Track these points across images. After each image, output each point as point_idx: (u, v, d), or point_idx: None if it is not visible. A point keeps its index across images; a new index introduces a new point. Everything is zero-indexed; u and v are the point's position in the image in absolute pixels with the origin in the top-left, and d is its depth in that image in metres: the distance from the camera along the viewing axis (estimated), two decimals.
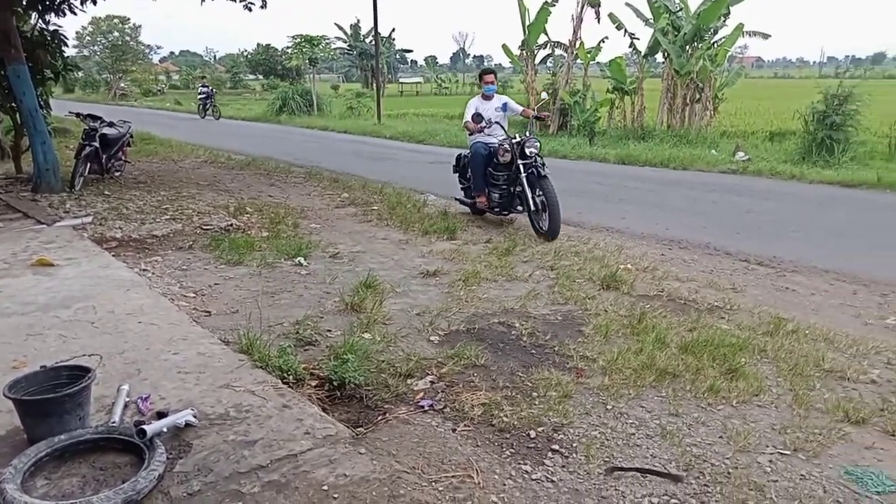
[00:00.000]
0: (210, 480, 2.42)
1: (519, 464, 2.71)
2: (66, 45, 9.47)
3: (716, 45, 16.26)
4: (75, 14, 9.41)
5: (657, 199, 9.07)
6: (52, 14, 9.21)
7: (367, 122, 23.90)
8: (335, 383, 3.29)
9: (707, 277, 5.49)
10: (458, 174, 8.07)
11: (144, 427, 2.52)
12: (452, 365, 3.61)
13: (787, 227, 7.35)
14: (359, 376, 3.31)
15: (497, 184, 7.22)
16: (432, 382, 3.43)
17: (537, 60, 19.25)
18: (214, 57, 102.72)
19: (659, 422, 3.06)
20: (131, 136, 10.23)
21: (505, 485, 2.56)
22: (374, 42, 29.96)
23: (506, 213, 7.35)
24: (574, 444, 2.86)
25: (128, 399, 2.96)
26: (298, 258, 5.70)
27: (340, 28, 56.55)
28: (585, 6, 17.19)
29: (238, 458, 2.56)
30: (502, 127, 7.28)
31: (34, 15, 9.11)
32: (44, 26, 9.34)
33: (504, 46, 19.45)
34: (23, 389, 2.67)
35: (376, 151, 15.69)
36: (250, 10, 10.11)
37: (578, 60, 18.14)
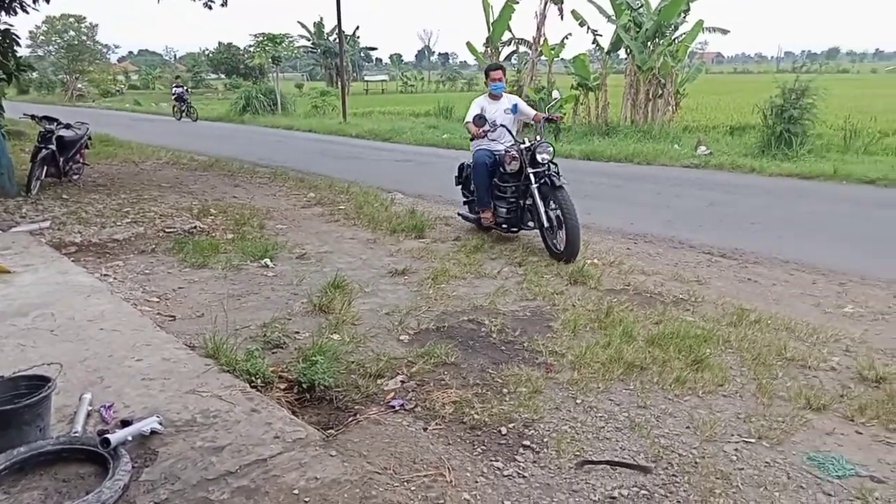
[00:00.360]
0: (177, 488, 2.38)
1: (490, 461, 2.72)
2: (18, 44, 9.18)
3: (676, 42, 16.51)
4: (27, 12, 9.16)
5: (622, 194, 9.18)
6: (3, 12, 8.93)
7: (333, 120, 23.71)
8: (304, 386, 3.26)
9: (672, 270, 5.58)
10: (461, 186, 7.06)
11: (108, 436, 2.46)
12: (423, 364, 3.60)
13: (748, 220, 7.50)
14: (328, 378, 3.29)
15: (504, 196, 6.19)
16: (403, 382, 3.42)
17: (502, 57, 19.32)
18: (174, 56, 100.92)
19: (627, 414, 3.10)
20: (89, 138, 9.98)
21: (477, 482, 2.56)
22: (337, 40, 29.72)
23: (515, 230, 6.34)
24: (545, 439, 2.88)
25: (90, 408, 2.88)
26: (265, 260, 5.63)
27: (304, 26, 56.00)
28: (548, 3, 17.28)
29: (206, 464, 2.51)
30: (510, 131, 6.27)
31: None
32: None
33: (469, 44, 19.50)
34: None
35: (342, 150, 15.59)
36: (210, 7, 9.96)
37: (543, 57, 18.25)
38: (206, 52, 63.55)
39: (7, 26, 9.01)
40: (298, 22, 58.07)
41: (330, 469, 2.50)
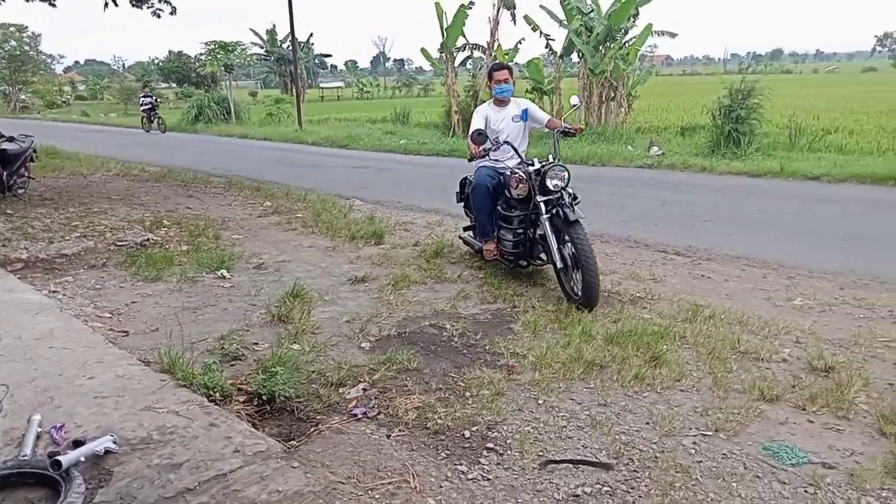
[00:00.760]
0: None
1: (455, 465, 2.72)
2: None
3: (627, 45, 16.85)
4: None
5: (579, 196, 9.28)
6: None
7: (288, 128, 23.48)
8: (264, 397, 3.20)
9: (628, 269, 5.67)
10: (463, 204, 6.09)
11: (59, 458, 2.38)
12: (385, 371, 3.58)
13: (701, 218, 7.69)
14: (289, 389, 3.24)
15: (510, 226, 5.13)
16: (365, 390, 3.39)
17: (457, 63, 19.42)
18: (123, 65, 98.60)
19: (589, 413, 3.14)
20: (34, 151, 9.68)
21: (441, 486, 2.56)
22: (291, 47, 29.45)
23: (525, 264, 5.31)
24: (508, 441, 2.89)
25: (40, 429, 2.78)
26: (221, 271, 5.53)
27: (256, 34, 55.38)
28: (501, 8, 17.47)
29: (164, 482, 2.45)
30: (515, 149, 5.18)
31: None
32: None
33: (423, 50, 19.57)
34: None
35: (299, 158, 15.44)
36: (159, 16, 9.78)
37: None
38: (156, 61, 62.24)
39: None
40: (251, 29, 57.45)
41: (292, 481, 2.46)
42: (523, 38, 21.72)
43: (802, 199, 8.57)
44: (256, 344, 3.99)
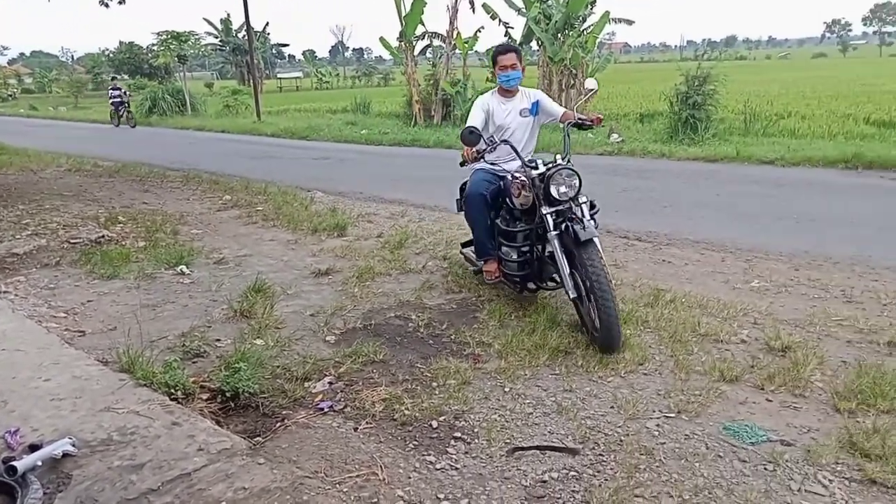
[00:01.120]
0: None
1: (423, 455, 2.72)
2: None
3: (585, 33, 16.95)
4: None
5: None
6: None
7: (247, 120, 23.07)
8: (228, 394, 3.15)
9: None
10: (464, 214, 4.78)
11: (14, 463, 2.31)
12: (350, 363, 3.56)
13: (660, 203, 7.80)
14: (253, 384, 3.20)
15: (513, 243, 4.20)
16: (331, 383, 3.36)
17: (416, 52, 19.31)
18: (72, 57, 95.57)
19: (555, 399, 3.17)
20: None
21: (410, 477, 2.56)
22: (247, 37, 28.90)
23: (533, 287, 4.36)
24: (475, 430, 2.90)
25: None
26: (180, 267, 5.42)
27: (210, 23, 54.22)
28: None
29: (125, 484, 2.39)
30: (515, 150, 4.18)
31: None
32: None
33: (381, 39, 19.38)
34: None
35: (258, 150, 15.18)
36: (107, 6, 9.47)
37: (457, 51, 18.37)
38: (107, 53, 60.50)
39: None
40: (204, 19, 56.21)
41: (258, 478, 2.43)
42: (482, 27, 21.66)
43: (758, 183, 8.77)
44: (219, 340, 3.93)
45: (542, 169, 3.93)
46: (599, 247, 3.67)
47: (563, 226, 3.80)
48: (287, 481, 2.42)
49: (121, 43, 55.74)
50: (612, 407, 3.08)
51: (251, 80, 27.12)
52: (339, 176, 10.89)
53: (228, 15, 54.51)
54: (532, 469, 2.61)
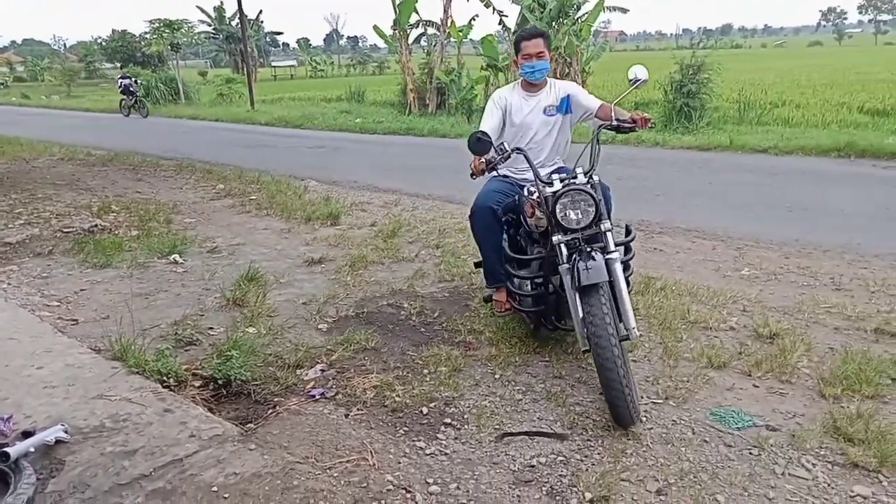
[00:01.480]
0: (88, 497, 2.28)
1: (413, 441, 2.75)
2: None
3: (580, 21, 16.91)
4: None
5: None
6: None
7: (241, 108, 22.99)
8: (220, 382, 3.18)
9: None
10: (470, 228, 4.00)
11: (7, 449, 2.33)
12: (342, 351, 3.59)
13: (653, 192, 7.83)
14: (245, 372, 3.22)
15: (526, 272, 3.50)
16: (322, 370, 3.39)
17: (411, 40, 19.24)
18: (64, 45, 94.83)
19: (544, 385, 3.20)
20: None
21: (400, 463, 2.59)
22: (240, 25, 28.72)
23: (550, 327, 3.54)
24: (465, 416, 2.93)
25: None
26: (173, 255, 5.42)
27: (203, 11, 53.67)
28: None
29: (118, 469, 2.42)
30: (525, 156, 3.29)
31: None
32: None
33: (375, 27, 19.30)
34: None
35: (252, 139, 15.14)
36: None
37: (451, 39, 18.31)
38: (99, 41, 60.02)
39: None
40: (197, 7, 55.42)
41: (249, 463, 2.46)
42: (477, 15, 21.58)
43: (751, 172, 8.80)
44: (211, 329, 3.94)
45: (556, 186, 3.09)
46: (622, 292, 2.90)
47: (578, 260, 2.91)
48: (278, 466, 2.45)
49: (113, 31, 55.35)
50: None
51: (245, 69, 26.97)
52: (333, 165, 10.88)
53: (222, 2, 54.00)
54: (521, 454, 2.64)
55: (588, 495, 2.37)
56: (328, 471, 2.49)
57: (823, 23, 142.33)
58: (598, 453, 2.64)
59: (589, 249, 2.94)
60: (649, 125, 3.42)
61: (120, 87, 23.49)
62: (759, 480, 2.47)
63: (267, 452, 2.57)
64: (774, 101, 15.75)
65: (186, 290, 4.69)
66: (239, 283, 4.59)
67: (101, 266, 5.20)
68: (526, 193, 3.50)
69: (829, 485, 2.44)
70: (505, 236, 3.72)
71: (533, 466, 2.56)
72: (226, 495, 2.29)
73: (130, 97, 22.94)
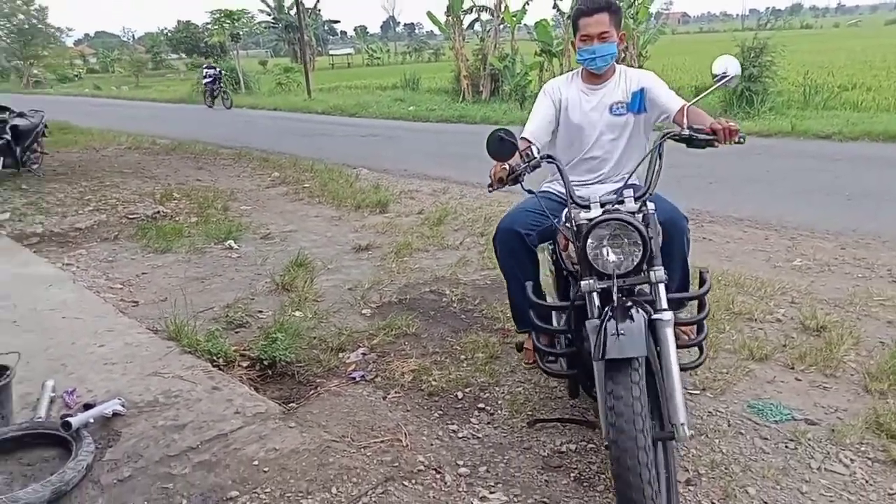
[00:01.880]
0: (140, 466, 2.46)
1: (447, 424, 2.83)
2: None
3: (636, 3, 16.52)
4: None
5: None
6: None
7: (298, 97, 23.43)
8: (266, 363, 3.33)
9: None
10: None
11: (70, 419, 2.53)
12: (384, 336, 3.69)
13: (706, 180, 7.65)
14: (289, 354, 3.36)
15: (547, 325, 2.67)
16: (364, 354, 3.50)
17: (464, 26, 19.21)
18: (133, 37, 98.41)
19: None
20: (45, 126, 9.79)
21: (432, 444, 2.67)
22: (297, 14, 29.22)
23: (591, 395, 2.60)
24: (499, 402, 2.99)
25: (53, 394, 2.93)
26: (229, 241, 5.65)
27: (263, 1, 54.87)
28: None
29: (168, 441, 2.59)
30: (558, 166, 2.56)
31: None
32: None
33: (429, 13, 19.34)
34: None
35: (308, 128, 15.46)
36: None
37: (505, 24, 18.18)
38: (165, 32, 62.08)
39: None
40: None
41: (289, 440, 2.59)
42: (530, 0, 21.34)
43: (812, 158, 8.50)
44: (261, 312, 4.12)
45: (592, 213, 2.30)
46: (671, 372, 2.10)
47: (604, 316, 2.09)
48: (315, 444, 2.57)
49: (178, 22, 57.16)
50: None
51: (302, 58, 27.44)
52: (385, 153, 11.02)
53: None
54: (551, 440, 2.69)
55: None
56: (362, 449, 2.60)
57: None
58: None
59: (628, 304, 2.13)
60: (736, 139, 2.52)
61: (205, 77, 23.40)
62: (793, 474, 2.45)
63: (306, 430, 2.69)
64: (843, 85, 15.03)
65: (239, 274, 4.89)
66: (289, 269, 4.75)
67: (161, 251, 5.47)
68: (563, 218, 2.57)
69: (867, 481, 2.40)
70: (547, 270, 2.93)
71: (562, 452, 2.61)
72: (265, 469, 2.43)
73: (215, 86, 22.61)
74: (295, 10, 32.09)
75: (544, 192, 3.04)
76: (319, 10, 60.83)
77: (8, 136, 8.56)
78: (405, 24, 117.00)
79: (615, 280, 2.19)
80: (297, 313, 4.02)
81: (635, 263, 2.21)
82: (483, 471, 2.51)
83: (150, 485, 2.36)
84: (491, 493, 2.38)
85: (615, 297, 2.15)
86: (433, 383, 3.15)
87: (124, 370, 3.20)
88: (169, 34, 58.89)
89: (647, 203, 2.37)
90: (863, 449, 2.58)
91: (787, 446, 2.61)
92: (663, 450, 2.13)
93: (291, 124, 16.38)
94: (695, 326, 2.74)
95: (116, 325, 3.80)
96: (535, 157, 2.49)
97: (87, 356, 3.38)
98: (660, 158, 2.53)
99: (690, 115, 2.61)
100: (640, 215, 2.31)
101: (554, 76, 17.38)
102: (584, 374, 2.50)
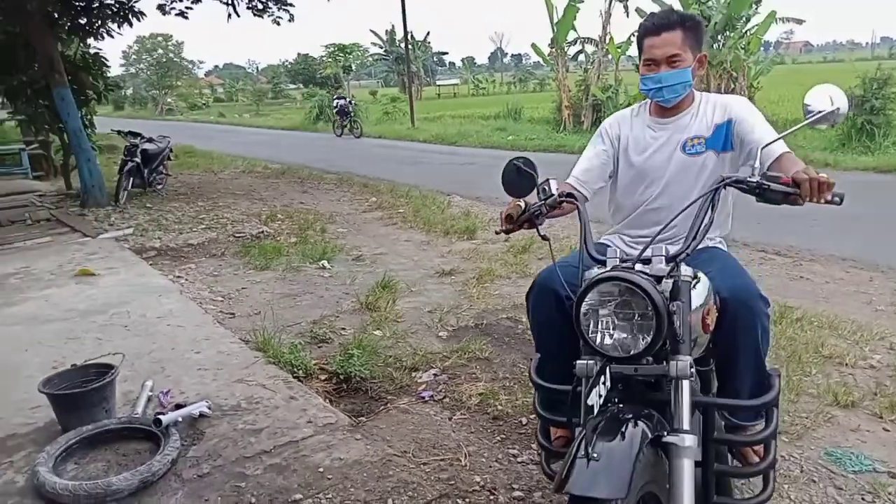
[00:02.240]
0: (218, 464, 2.67)
1: (507, 448, 2.88)
2: (107, 66, 10.02)
3: (748, 34, 16.01)
4: (112, 37, 9.97)
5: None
6: (92, 38, 9.75)
7: (402, 126, 24.23)
8: (342, 377, 3.51)
9: None
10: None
11: (161, 417, 2.79)
12: (456, 358, 3.79)
13: (810, 216, 7.26)
14: (365, 370, 3.53)
15: (555, 416, 2.10)
16: (435, 375, 3.61)
17: (569, 57, 19.28)
18: (257, 68, 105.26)
19: None
20: (171, 150, 10.72)
21: (490, 466, 2.73)
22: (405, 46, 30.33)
23: None
24: None
25: (151, 393, 3.24)
26: (322, 261, 5.96)
27: (376, 34, 57.33)
28: (613, 1, 17.14)
29: (245, 444, 2.80)
30: (579, 208, 2.05)
31: (76, 40, 9.67)
32: (85, 50, 9.90)
33: (534, 45, 19.55)
34: (56, 385, 2.97)
35: (408, 155, 15.97)
36: (278, 24, 10.51)
37: (609, 55, 18.09)
38: (285, 64, 66.04)
39: (97, 50, 9.84)
40: (371, 30, 59.54)
41: (354, 451, 2.73)
42: (636, 31, 21.13)
43: None
44: (344, 329, 4.33)
45: (594, 272, 1.78)
46: None
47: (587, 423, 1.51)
48: (378, 457, 2.70)
49: (298, 54, 60.67)
50: None
51: (408, 88, 28.38)
52: (479, 181, 11.19)
53: (393, 26, 57.19)
54: None
55: None
56: (422, 466, 2.69)
57: None
58: None
59: (624, 411, 1.60)
60: (828, 198, 1.80)
61: (336, 108, 23.43)
62: None
63: (371, 443, 2.83)
64: None
65: (329, 293, 5.15)
66: (374, 290, 4.96)
67: (261, 268, 5.85)
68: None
69: None
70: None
71: None
72: (329, 476, 2.57)
73: (345, 118, 22.67)
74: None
75: (601, 244, 2.40)
76: (429, 43, 62.78)
77: (138, 160, 9.47)
78: (512, 55, 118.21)
79: (605, 363, 1.62)
80: (377, 332, 4.20)
81: (642, 348, 1.62)
82: (538, 496, 2.54)
83: (224, 482, 2.57)
84: None
85: (597, 394, 1.54)
86: (499, 407, 3.21)
87: (214, 376, 3.48)
88: (288, 66, 62.57)
89: (681, 266, 1.73)
90: None
91: (863, 498, 2.47)
92: None
93: (394, 152, 16.98)
94: (761, 447, 2.08)
95: (213, 334, 4.12)
96: (553, 194, 2.05)
97: (183, 361, 3.70)
98: (714, 206, 1.86)
99: (763, 156, 1.93)
100: (671, 281, 1.72)
101: None
102: None
